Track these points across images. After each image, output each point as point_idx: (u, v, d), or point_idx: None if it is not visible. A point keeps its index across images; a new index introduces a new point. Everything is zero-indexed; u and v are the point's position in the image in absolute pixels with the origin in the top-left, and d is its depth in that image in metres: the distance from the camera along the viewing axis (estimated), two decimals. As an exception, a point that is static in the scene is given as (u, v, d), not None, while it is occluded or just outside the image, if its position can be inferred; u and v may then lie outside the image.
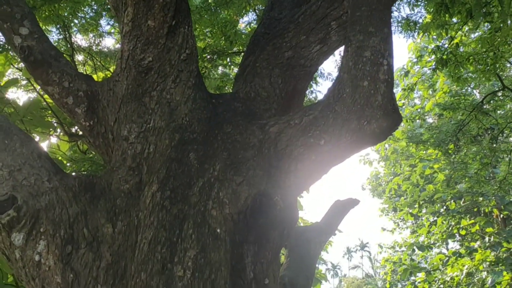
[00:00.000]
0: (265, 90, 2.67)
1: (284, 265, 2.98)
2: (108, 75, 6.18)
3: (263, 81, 2.71)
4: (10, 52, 5.46)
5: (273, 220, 2.02)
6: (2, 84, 5.00)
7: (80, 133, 4.69)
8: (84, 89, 2.33)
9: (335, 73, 6.98)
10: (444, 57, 6.08)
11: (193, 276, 1.75)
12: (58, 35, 6.15)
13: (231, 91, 5.83)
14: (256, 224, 2.00)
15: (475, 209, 14.39)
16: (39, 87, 4.64)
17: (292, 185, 2.22)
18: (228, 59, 6.81)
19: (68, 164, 4.96)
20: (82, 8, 5.83)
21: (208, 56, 6.47)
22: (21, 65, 5.75)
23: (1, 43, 5.43)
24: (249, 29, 6.78)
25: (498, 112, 9.30)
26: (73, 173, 4.46)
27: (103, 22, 6.42)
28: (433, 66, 6.68)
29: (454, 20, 5.91)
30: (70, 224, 1.85)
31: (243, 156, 2.18)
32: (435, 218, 16.28)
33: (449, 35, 6.33)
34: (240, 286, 1.90)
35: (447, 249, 16.92)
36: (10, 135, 1.98)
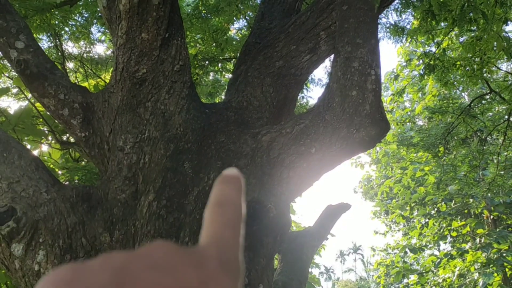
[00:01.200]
0: (257, 99, 2.73)
1: (278, 270, 3.03)
2: (100, 82, 6.21)
3: (254, 90, 2.77)
4: (1, 61, 5.48)
5: (266, 227, 2.08)
6: (-6, 94, 5.02)
7: (72, 140, 4.71)
8: (80, 100, 2.37)
9: (325, 79, 7.08)
10: (432, 62, 6.20)
11: (190, 283, 1.80)
12: (49, 43, 6.17)
13: (222, 97, 5.88)
14: (250, 231, 2.06)
15: (466, 211, 14.56)
16: (30, 95, 4.67)
17: (284, 192, 2.28)
18: (219, 65, 6.87)
19: (60, 172, 4.98)
20: (73, 16, 5.87)
21: (201, 63, 6.53)
22: (12, 73, 5.77)
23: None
24: (240, 35, 6.86)
25: (487, 115, 9.46)
26: (67, 182, 4.49)
27: (93, 29, 6.46)
28: (422, 71, 6.81)
29: (442, 24, 6.04)
30: (69, 234, 1.89)
31: (236, 164, 2.23)
32: (427, 220, 16.43)
33: (436, 41, 6.46)
34: (235, 292, 1.95)
35: (439, 251, 17.07)
36: (8, 148, 2.01)
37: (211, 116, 2.53)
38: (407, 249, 16.78)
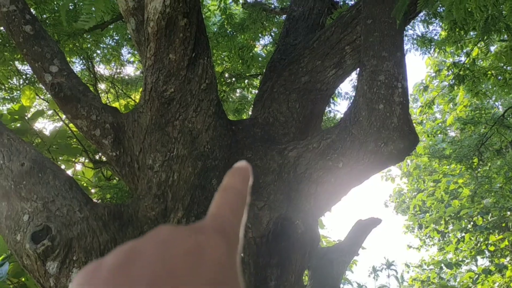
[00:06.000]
0: (283, 115, 2.75)
1: (308, 286, 2.99)
2: (130, 102, 6.37)
3: (280, 106, 2.79)
4: (36, 84, 5.70)
5: (294, 243, 2.07)
6: (30, 116, 5.22)
7: (104, 159, 4.84)
8: (111, 121, 2.44)
9: (352, 92, 7.04)
10: (462, 73, 6.07)
11: (219, 300, 1.80)
12: (82, 65, 6.40)
13: (249, 113, 5.92)
14: (278, 247, 2.05)
15: (504, 224, 14.03)
16: (64, 117, 4.84)
17: (312, 208, 2.27)
18: (246, 82, 6.94)
19: (93, 191, 5.10)
20: (104, 39, 6.07)
21: (227, 80, 6.61)
22: (47, 96, 5.99)
23: (28, 75, 5.69)
24: (266, 52, 6.92)
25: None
26: (99, 200, 4.59)
27: (124, 51, 6.66)
28: (452, 82, 6.68)
29: (471, 33, 5.93)
30: (101, 251, 1.93)
31: (264, 181, 2.24)
32: (463, 235, 15.91)
33: (465, 50, 6.34)
34: (265, 309, 1.94)
35: (477, 266, 16.47)
36: (43, 169, 2.09)
37: (237, 133, 2.56)
38: (442, 265, 16.26)
